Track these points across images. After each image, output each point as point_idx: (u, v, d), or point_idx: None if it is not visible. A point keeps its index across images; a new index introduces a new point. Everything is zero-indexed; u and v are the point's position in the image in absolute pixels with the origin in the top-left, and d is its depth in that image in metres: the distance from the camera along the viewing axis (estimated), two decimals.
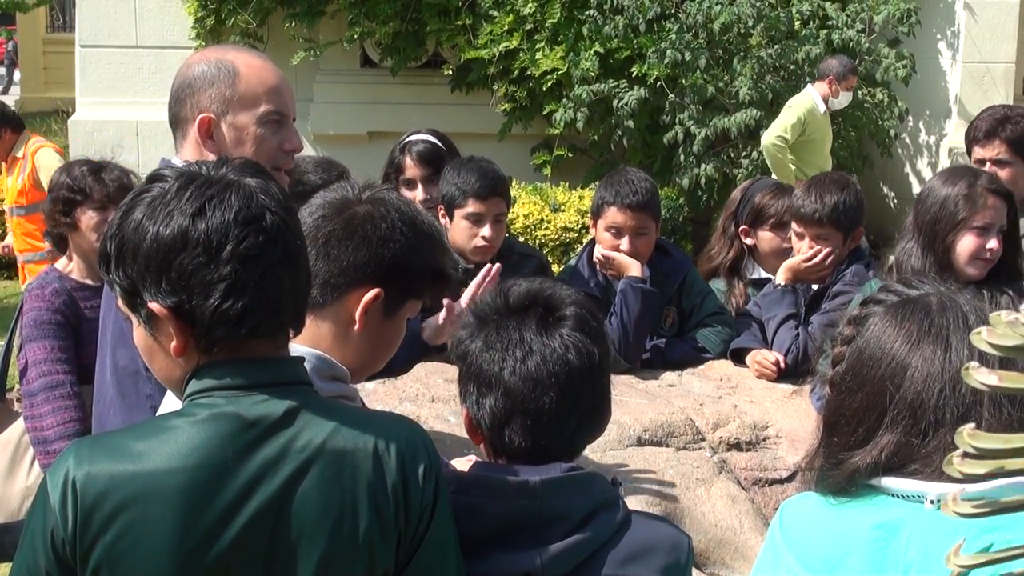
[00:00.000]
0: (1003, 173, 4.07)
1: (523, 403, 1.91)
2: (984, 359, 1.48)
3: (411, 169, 4.28)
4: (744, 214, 4.39)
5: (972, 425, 0.93)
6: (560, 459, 1.93)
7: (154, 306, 1.66)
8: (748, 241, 4.37)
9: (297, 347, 2.04)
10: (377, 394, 3.31)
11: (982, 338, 0.90)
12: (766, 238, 4.32)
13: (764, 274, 4.32)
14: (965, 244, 3.43)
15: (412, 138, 4.43)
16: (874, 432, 1.69)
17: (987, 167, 4.16)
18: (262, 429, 1.65)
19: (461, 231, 3.90)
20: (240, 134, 2.46)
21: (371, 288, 2.09)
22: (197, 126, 2.44)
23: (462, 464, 2.57)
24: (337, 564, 1.65)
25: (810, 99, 8.10)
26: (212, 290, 1.64)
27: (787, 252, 4.22)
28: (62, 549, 1.62)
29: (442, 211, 3.98)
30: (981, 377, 0.91)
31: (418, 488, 1.69)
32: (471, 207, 3.90)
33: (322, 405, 1.72)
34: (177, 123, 2.52)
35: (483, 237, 3.89)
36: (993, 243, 3.40)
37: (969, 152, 4.64)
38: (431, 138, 4.40)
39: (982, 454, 0.91)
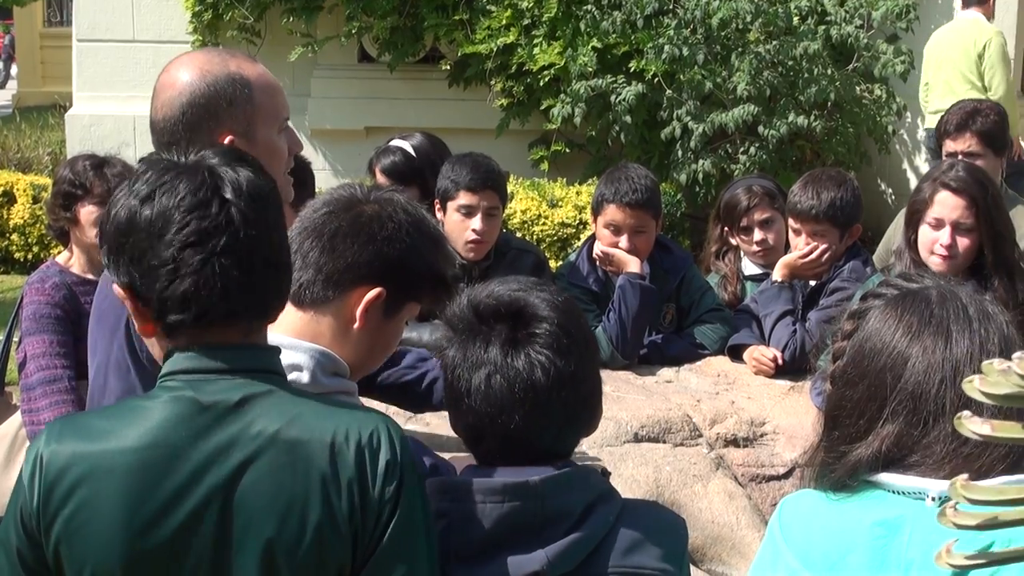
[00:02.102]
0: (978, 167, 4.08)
1: (490, 425, 1.89)
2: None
3: (379, 177, 4.36)
4: (722, 215, 4.44)
5: (966, 476, 0.93)
6: (548, 462, 1.91)
7: (115, 286, 1.73)
8: (733, 241, 4.41)
9: (298, 342, 2.05)
10: None
11: (974, 387, 0.91)
12: (739, 240, 4.37)
13: (757, 269, 4.34)
14: (921, 237, 3.46)
15: (393, 143, 4.50)
16: (875, 423, 1.69)
17: None
18: (216, 414, 1.66)
19: (453, 224, 3.91)
20: (263, 149, 2.25)
21: (373, 287, 2.10)
22: None
23: (461, 461, 2.57)
24: (284, 554, 1.63)
25: (989, 28, 8.21)
26: (156, 274, 1.66)
27: (764, 254, 4.29)
28: (30, 524, 1.67)
29: (438, 205, 3.98)
30: (974, 427, 0.91)
31: (377, 484, 1.66)
32: (462, 199, 3.91)
33: (284, 394, 1.71)
34: (190, 145, 2.17)
35: (473, 230, 3.89)
36: (944, 238, 3.40)
37: (940, 146, 4.67)
38: (406, 147, 4.44)
39: (976, 505, 0.91)
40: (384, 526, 1.66)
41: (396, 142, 4.55)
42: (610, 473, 2.03)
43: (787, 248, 4.23)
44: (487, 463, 1.94)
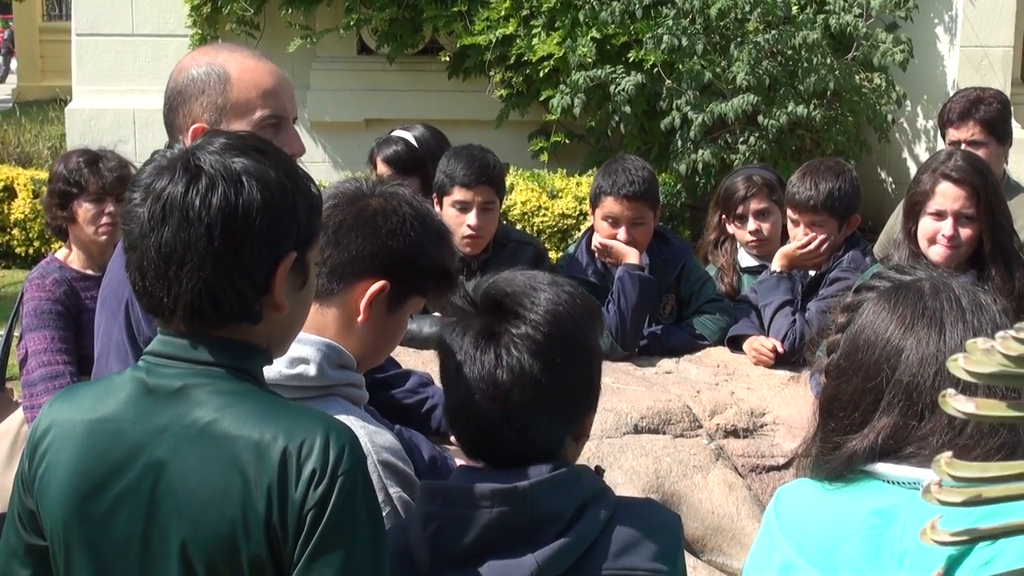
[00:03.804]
0: (978, 154, 4.07)
1: (459, 411, 1.90)
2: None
3: (380, 167, 4.37)
4: (720, 203, 4.45)
5: (950, 454, 0.94)
6: (533, 461, 1.86)
7: None
8: (730, 228, 4.41)
9: (304, 335, 2.06)
10: None
11: (959, 365, 0.91)
12: (734, 229, 4.37)
13: (753, 261, 4.35)
14: (922, 227, 3.45)
15: (395, 133, 4.51)
16: (870, 416, 1.70)
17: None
18: (157, 399, 1.69)
19: (449, 219, 3.90)
20: None
21: (377, 280, 2.11)
22: (191, 136, 2.29)
23: (460, 454, 2.58)
24: (199, 544, 1.64)
25: None
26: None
27: (759, 244, 4.30)
28: (25, 486, 1.78)
29: (435, 200, 3.98)
30: (958, 405, 0.92)
31: (299, 489, 1.61)
32: (457, 195, 3.91)
33: (229, 390, 1.68)
34: (172, 130, 2.41)
35: (468, 225, 3.89)
36: (947, 229, 3.39)
37: (943, 135, 4.67)
38: (408, 137, 4.46)
39: (960, 483, 0.92)
40: (312, 528, 1.62)
41: (398, 132, 4.56)
42: (604, 471, 2.00)
43: (783, 240, 4.24)
44: (462, 448, 1.94)
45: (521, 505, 1.81)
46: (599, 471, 1.96)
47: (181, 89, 2.39)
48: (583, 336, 1.92)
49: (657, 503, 2.04)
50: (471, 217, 3.90)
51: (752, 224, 4.28)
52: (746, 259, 4.38)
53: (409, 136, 4.50)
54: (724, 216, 4.40)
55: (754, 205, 4.28)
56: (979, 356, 0.89)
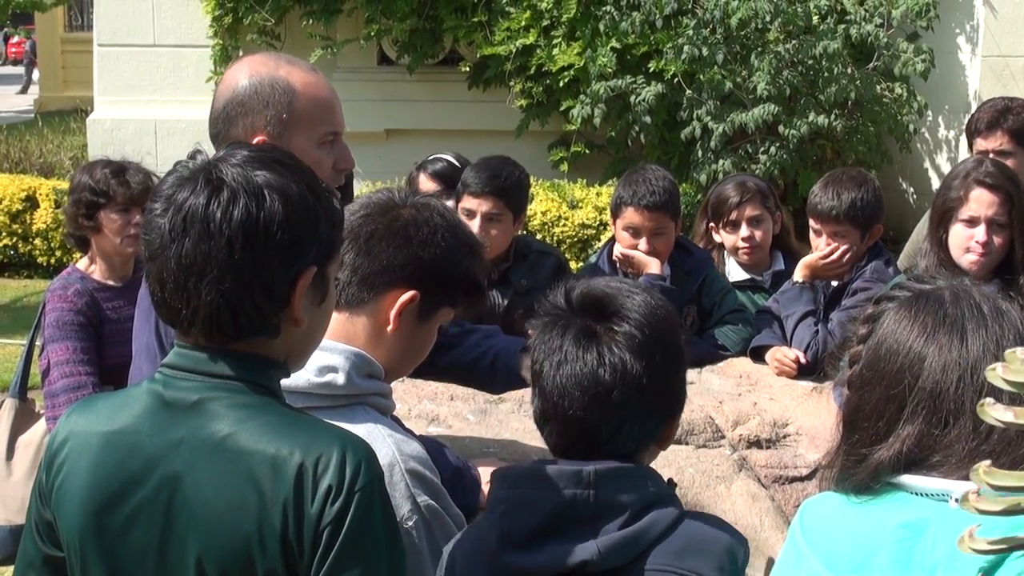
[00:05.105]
0: (1006, 164, 4.05)
1: (554, 409, 1.91)
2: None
3: (424, 183, 4.37)
4: (710, 211, 4.43)
5: (988, 463, 0.93)
6: (611, 458, 1.91)
7: None
8: (717, 238, 4.39)
9: (334, 344, 2.07)
10: (396, 393, 3.31)
11: (997, 374, 0.91)
12: (724, 236, 4.36)
13: (743, 275, 4.34)
14: (954, 235, 3.43)
15: (436, 156, 4.54)
16: (895, 424, 1.69)
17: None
18: (174, 412, 1.68)
19: None
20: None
21: (408, 290, 2.11)
22: None
23: (483, 464, 2.58)
24: (213, 557, 1.64)
25: None
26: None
27: (750, 251, 4.31)
28: (42, 497, 1.78)
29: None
30: (996, 414, 0.92)
31: (316, 505, 1.61)
32: (464, 202, 3.92)
33: (246, 403, 1.67)
34: (223, 140, 2.34)
35: None
36: (980, 235, 3.38)
37: (971, 144, 4.65)
38: (450, 158, 4.48)
39: (999, 491, 0.91)
40: (328, 545, 1.61)
41: (438, 155, 4.63)
42: (676, 484, 2.02)
43: (774, 248, 4.24)
44: (551, 449, 1.97)
45: (584, 490, 1.85)
46: (671, 483, 1.99)
47: (243, 100, 2.35)
48: (676, 340, 1.98)
49: (726, 523, 2.04)
50: (473, 226, 3.88)
51: (745, 231, 4.27)
52: (737, 272, 4.36)
53: (450, 156, 4.56)
54: (713, 225, 4.39)
55: (748, 211, 4.28)
56: (1018, 366, 0.89)
